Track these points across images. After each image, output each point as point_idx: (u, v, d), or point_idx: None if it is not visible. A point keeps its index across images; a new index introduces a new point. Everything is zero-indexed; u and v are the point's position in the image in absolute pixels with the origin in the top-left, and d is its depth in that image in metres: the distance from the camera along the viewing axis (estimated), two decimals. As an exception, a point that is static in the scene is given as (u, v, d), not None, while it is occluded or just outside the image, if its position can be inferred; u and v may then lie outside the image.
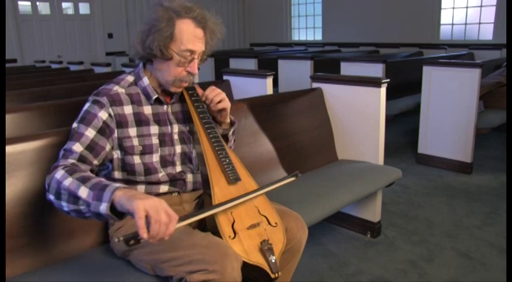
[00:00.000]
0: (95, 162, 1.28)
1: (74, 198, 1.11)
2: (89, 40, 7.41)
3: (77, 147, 1.24)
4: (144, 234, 1.01)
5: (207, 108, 1.44)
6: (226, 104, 1.45)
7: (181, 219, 1.10)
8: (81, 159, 1.24)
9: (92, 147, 1.26)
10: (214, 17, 1.37)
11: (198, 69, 1.39)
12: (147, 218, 1.02)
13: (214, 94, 1.43)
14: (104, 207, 1.06)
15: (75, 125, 1.29)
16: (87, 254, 1.42)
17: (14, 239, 1.31)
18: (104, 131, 1.29)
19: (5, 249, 1.26)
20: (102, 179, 1.16)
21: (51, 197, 1.16)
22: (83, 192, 1.10)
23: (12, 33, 6.42)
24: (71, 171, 1.16)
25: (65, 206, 1.13)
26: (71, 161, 1.22)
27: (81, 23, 7.31)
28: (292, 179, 1.39)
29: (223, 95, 1.44)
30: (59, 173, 1.16)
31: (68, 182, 1.13)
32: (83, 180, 1.13)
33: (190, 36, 1.29)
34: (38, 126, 2.17)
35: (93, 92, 1.35)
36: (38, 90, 2.95)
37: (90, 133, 1.27)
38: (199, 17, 1.31)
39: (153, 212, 1.02)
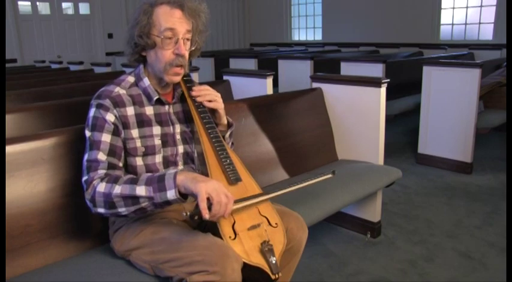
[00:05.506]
0: (121, 164, 1.30)
1: (133, 199, 1.19)
2: (89, 40, 7.40)
3: (101, 156, 1.26)
4: (206, 215, 1.12)
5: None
6: (218, 105, 1.43)
7: (236, 201, 1.21)
8: (111, 166, 1.26)
9: (113, 151, 1.28)
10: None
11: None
12: (209, 200, 1.13)
13: (204, 93, 1.41)
14: (172, 194, 1.16)
15: (88, 133, 1.29)
16: (87, 254, 1.41)
17: (14, 238, 1.31)
18: (115, 132, 1.30)
19: (5, 249, 1.26)
20: (149, 174, 1.24)
21: (101, 210, 1.21)
22: (140, 191, 1.18)
23: (12, 33, 6.41)
24: (111, 180, 1.21)
25: (123, 211, 1.21)
26: (102, 171, 1.24)
27: (81, 23, 7.30)
28: (329, 176, 1.41)
29: (214, 96, 1.42)
30: (101, 186, 1.20)
31: (118, 189, 1.19)
32: (132, 182, 1.19)
33: (167, 17, 1.31)
34: (38, 126, 2.17)
35: (95, 95, 1.34)
36: (38, 90, 2.95)
37: (106, 138, 1.28)
38: None
39: (215, 195, 1.13)
